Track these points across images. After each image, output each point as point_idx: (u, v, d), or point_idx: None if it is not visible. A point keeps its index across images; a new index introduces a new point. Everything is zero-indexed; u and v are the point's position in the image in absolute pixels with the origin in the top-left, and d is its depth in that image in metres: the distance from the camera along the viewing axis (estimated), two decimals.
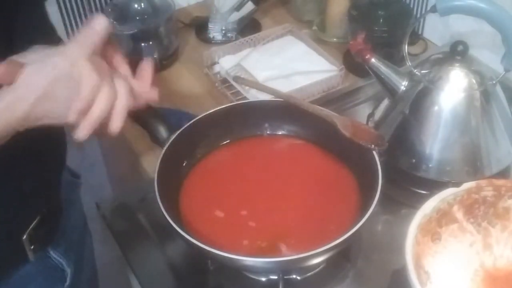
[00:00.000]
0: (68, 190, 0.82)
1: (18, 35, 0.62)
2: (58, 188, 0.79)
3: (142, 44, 1.12)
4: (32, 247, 0.72)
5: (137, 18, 1.14)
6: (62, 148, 0.78)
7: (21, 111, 0.54)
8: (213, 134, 0.83)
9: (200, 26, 1.25)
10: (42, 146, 0.68)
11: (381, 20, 1.05)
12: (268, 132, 0.87)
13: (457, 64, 0.81)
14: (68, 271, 0.79)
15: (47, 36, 0.69)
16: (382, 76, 0.85)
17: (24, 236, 0.70)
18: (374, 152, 0.74)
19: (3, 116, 0.53)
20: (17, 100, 0.54)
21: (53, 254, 0.76)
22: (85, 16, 1.21)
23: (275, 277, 0.73)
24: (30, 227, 0.71)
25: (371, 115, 0.92)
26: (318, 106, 0.81)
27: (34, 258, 0.73)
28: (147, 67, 0.66)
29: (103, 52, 0.61)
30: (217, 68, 1.12)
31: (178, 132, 0.77)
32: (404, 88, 0.84)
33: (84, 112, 0.57)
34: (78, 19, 1.21)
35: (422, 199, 0.71)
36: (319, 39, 1.19)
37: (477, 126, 0.81)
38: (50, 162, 0.75)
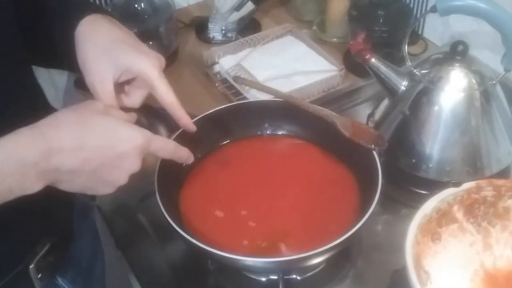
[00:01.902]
0: (81, 214, 0.81)
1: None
2: (71, 212, 0.77)
3: None
4: (40, 275, 0.69)
5: (137, 18, 1.15)
6: None
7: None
8: (213, 134, 0.83)
9: (200, 26, 1.25)
10: None
11: (381, 20, 1.05)
12: (268, 132, 0.87)
13: (457, 64, 0.81)
14: None
15: (32, 99, 0.68)
16: (382, 76, 0.85)
17: (32, 265, 0.67)
18: (374, 152, 0.74)
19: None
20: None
21: (60, 281, 0.74)
22: None
23: (275, 277, 0.73)
24: (39, 255, 0.68)
25: (371, 115, 0.92)
26: (318, 106, 0.81)
27: (40, 286, 0.69)
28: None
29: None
30: (217, 68, 1.12)
31: (178, 132, 0.77)
32: (404, 88, 0.84)
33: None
34: None
35: (422, 199, 0.71)
36: (319, 39, 1.19)
37: (477, 126, 0.81)
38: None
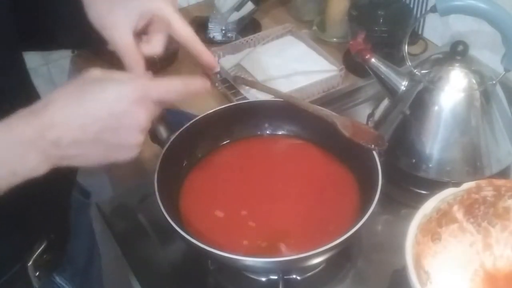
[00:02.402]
0: (77, 212, 0.80)
1: None
2: (67, 210, 0.76)
3: None
4: (37, 273, 0.69)
5: None
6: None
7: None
8: (213, 134, 0.83)
9: (200, 26, 1.25)
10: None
11: (381, 20, 1.05)
12: (268, 132, 0.87)
13: (457, 64, 0.81)
14: None
15: (27, 96, 0.66)
16: (382, 76, 0.85)
17: (29, 263, 0.67)
18: (374, 152, 0.74)
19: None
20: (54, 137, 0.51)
21: (58, 280, 0.74)
22: None
23: (275, 277, 0.73)
24: (36, 253, 0.68)
25: (371, 115, 0.92)
26: (318, 106, 0.81)
27: (38, 284, 0.69)
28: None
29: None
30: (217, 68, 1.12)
31: (178, 132, 0.77)
32: (404, 88, 0.84)
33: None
34: None
35: (422, 199, 0.71)
36: (319, 39, 1.19)
37: (477, 126, 0.81)
38: (60, 182, 0.69)
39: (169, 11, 0.63)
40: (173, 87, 0.58)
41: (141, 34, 0.64)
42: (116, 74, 0.55)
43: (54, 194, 0.69)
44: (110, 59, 0.68)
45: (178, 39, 0.64)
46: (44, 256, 0.69)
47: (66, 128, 0.51)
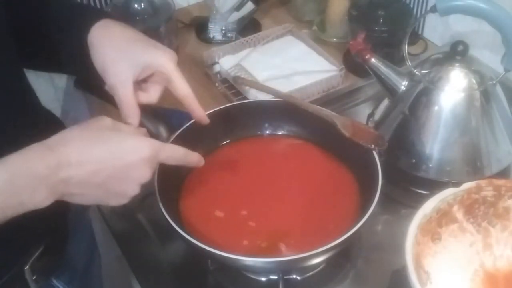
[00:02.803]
0: (76, 214, 0.80)
1: None
2: (66, 213, 0.77)
3: None
4: (35, 277, 0.69)
5: (137, 18, 1.14)
6: None
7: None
8: (213, 134, 0.83)
9: (200, 26, 1.25)
10: None
11: (381, 20, 1.05)
12: (268, 132, 0.87)
13: (457, 64, 0.81)
14: None
15: (23, 100, 0.68)
16: (382, 76, 0.85)
17: (27, 267, 0.67)
18: (374, 152, 0.74)
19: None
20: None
21: (56, 283, 0.74)
22: None
23: (275, 277, 0.73)
24: (33, 257, 0.68)
25: (371, 115, 0.92)
26: (318, 106, 0.81)
27: None
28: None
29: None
30: (217, 68, 1.12)
31: (178, 132, 0.77)
32: (404, 88, 0.84)
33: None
34: None
35: (422, 199, 0.71)
36: (319, 39, 1.19)
37: (477, 126, 0.81)
38: None
39: (171, 69, 0.66)
40: (176, 155, 0.64)
41: (140, 82, 0.68)
42: (124, 127, 0.61)
43: None
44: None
45: (176, 94, 0.68)
46: (42, 260, 0.69)
47: (80, 169, 0.54)
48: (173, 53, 0.67)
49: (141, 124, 0.75)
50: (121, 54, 0.65)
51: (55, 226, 0.73)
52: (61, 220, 0.76)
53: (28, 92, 0.70)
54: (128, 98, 0.65)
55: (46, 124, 0.76)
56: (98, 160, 0.55)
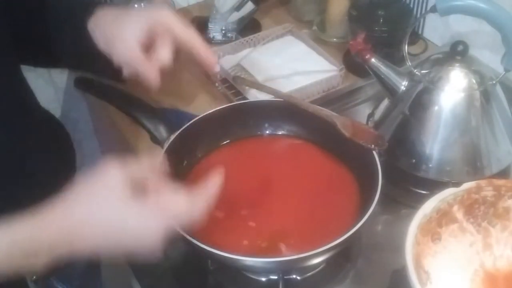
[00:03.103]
0: None
1: None
2: None
3: None
4: (34, 277, 0.69)
5: None
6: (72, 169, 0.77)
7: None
8: (213, 134, 0.83)
9: (200, 26, 1.25)
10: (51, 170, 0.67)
11: (381, 20, 1.05)
12: (268, 132, 0.87)
13: (457, 64, 0.81)
14: None
15: (21, 100, 0.68)
16: (382, 76, 0.85)
17: None
18: (374, 152, 0.74)
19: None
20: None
21: (55, 283, 0.74)
22: None
23: (275, 277, 0.73)
24: None
25: (371, 115, 0.92)
26: (318, 106, 0.81)
27: None
28: None
29: None
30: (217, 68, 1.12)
31: (178, 132, 0.77)
32: (404, 88, 0.84)
33: None
34: None
35: (422, 199, 0.71)
36: (319, 39, 1.19)
37: (477, 126, 0.81)
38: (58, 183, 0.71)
39: (171, 19, 0.66)
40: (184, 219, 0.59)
41: (149, 49, 0.67)
42: (137, 172, 0.56)
43: (51, 195, 0.69)
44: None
45: (181, 41, 0.67)
46: None
47: (87, 245, 0.53)
48: (170, 9, 0.68)
49: (141, 124, 0.75)
50: (121, 25, 0.66)
51: None
52: None
53: (26, 93, 0.70)
54: (139, 58, 0.65)
55: (45, 125, 0.76)
56: (106, 241, 0.54)
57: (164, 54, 0.67)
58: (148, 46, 0.67)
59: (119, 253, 0.55)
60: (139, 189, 0.54)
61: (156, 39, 0.67)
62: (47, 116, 0.79)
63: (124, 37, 0.65)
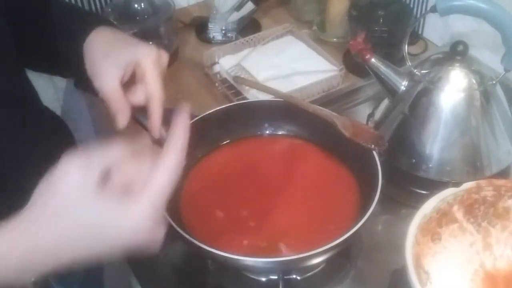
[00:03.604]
0: None
1: None
2: None
3: None
4: (33, 279, 0.66)
5: (137, 18, 1.15)
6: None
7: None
8: (213, 134, 0.83)
9: (200, 26, 1.25)
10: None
11: (381, 20, 1.05)
12: (268, 132, 0.87)
13: (457, 64, 0.81)
14: None
15: (25, 101, 0.68)
16: (382, 76, 0.85)
17: None
18: (374, 152, 0.74)
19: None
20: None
21: (55, 286, 0.74)
22: None
23: (275, 277, 0.73)
24: None
25: (371, 115, 0.92)
26: (318, 106, 0.81)
27: None
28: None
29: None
30: (217, 68, 1.12)
31: None
32: (404, 88, 0.84)
33: None
34: None
35: (422, 199, 0.71)
36: (319, 39, 1.19)
37: (477, 126, 0.81)
38: None
39: (146, 64, 0.63)
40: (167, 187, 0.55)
41: (130, 84, 0.66)
42: (103, 162, 0.51)
43: None
44: None
45: (146, 91, 0.64)
46: None
47: (75, 262, 0.51)
48: (153, 49, 0.65)
49: (141, 124, 0.75)
50: (106, 56, 0.65)
51: None
52: None
53: (30, 92, 0.70)
54: (114, 94, 0.63)
55: (48, 123, 0.76)
56: (95, 255, 0.52)
57: (139, 96, 0.66)
58: (130, 79, 0.66)
59: (115, 254, 0.53)
60: (109, 179, 0.50)
61: (137, 76, 0.66)
62: (51, 115, 0.79)
63: (106, 72, 0.64)
